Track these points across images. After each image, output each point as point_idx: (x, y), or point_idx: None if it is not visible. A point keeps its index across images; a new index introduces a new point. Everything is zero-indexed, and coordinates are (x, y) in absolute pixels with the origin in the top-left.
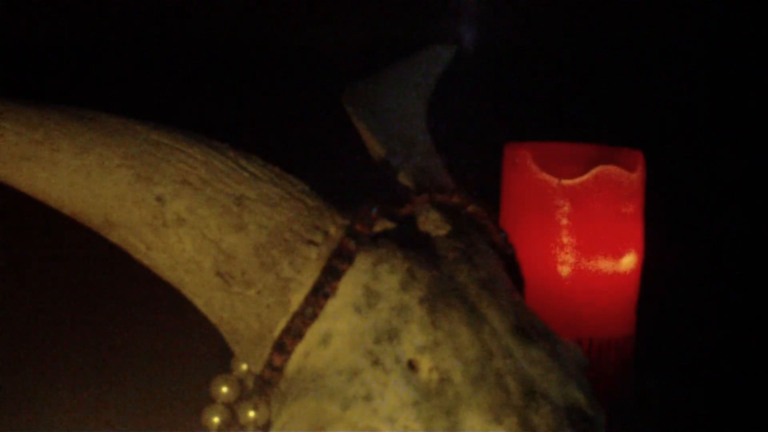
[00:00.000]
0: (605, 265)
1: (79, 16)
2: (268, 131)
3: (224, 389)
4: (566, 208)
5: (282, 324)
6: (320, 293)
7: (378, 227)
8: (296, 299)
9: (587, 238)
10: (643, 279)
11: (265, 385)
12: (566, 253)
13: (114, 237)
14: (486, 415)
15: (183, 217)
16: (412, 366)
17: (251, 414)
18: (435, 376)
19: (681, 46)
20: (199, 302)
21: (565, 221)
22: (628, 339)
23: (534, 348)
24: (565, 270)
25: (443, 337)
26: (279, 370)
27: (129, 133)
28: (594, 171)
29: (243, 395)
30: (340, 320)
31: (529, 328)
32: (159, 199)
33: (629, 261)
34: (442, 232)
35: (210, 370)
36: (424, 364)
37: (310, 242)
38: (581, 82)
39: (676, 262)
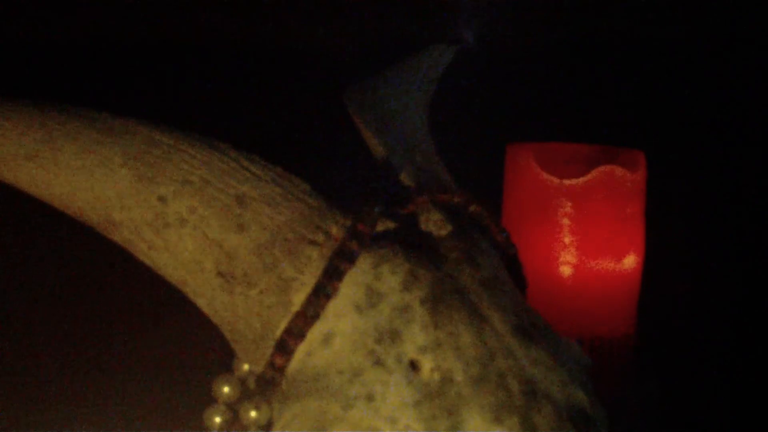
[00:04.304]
0: (607, 264)
1: (80, 16)
2: (269, 131)
3: (226, 389)
4: (568, 208)
5: (284, 324)
6: (322, 293)
7: (380, 227)
8: (298, 299)
9: (589, 238)
10: (644, 279)
11: (267, 385)
12: (568, 252)
13: (116, 237)
14: (487, 415)
15: (185, 217)
16: (413, 366)
17: (253, 414)
18: (436, 376)
19: (682, 46)
20: (200, 302)
21: (566, 221)
22: (628, 338)
23: (535, 348)
24: (566, 270)
25: (445, 337)
26: (281, 370)
27: (131, 133)
28: (595, 171)
29: (245, 395)
30: (342, 320)
31: (531, 328)
32: (161, 199)
33: (630, 261)
34: (444, 232)
35: (212, 370)
36: (426, 364)
37: (312, 242)
38: (583, 83)
39: (677, 262)
